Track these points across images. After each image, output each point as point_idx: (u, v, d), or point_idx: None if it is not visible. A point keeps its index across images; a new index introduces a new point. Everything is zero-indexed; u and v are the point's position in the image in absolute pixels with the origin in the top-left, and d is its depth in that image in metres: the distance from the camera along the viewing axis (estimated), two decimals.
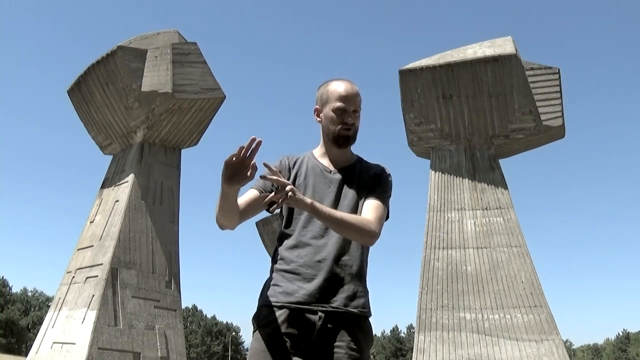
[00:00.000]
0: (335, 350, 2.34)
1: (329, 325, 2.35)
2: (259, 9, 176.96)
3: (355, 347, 2.36)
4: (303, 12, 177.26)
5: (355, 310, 2.40)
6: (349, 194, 2.53)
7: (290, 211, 2.54)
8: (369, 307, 2.50)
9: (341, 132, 2.54)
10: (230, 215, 2.40)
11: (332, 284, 2.39)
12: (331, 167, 2.61)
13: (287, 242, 2.50)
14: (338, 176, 2.58)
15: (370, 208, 2.49)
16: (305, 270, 2.41)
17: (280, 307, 2.39)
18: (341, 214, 2.39)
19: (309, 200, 2.28)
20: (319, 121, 2.64)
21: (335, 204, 2.49)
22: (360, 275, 2.47)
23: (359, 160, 2.68)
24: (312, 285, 2.38)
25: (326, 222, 2.37)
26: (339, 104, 2.53)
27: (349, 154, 2.67)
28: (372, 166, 2.67)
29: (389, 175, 2.66)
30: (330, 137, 2.59)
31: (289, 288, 2.40)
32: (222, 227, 2.47)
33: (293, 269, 2.43)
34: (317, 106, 2.65)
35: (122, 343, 9.63)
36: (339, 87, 2.57)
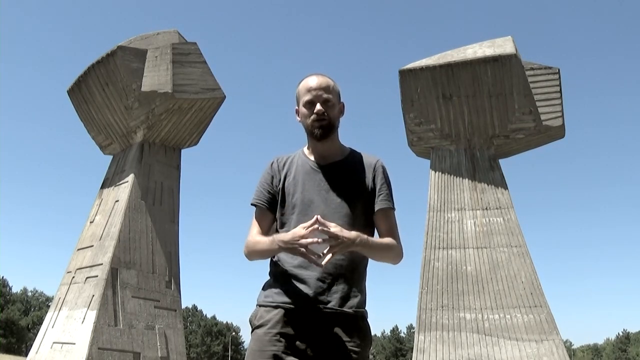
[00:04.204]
0: (331, 349, 2.34)
1: (324, 325, 2.36)
2: (259, 9, 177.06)
3: (352, 346, 2.36)
4: (303, 12, 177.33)
5: (349, 310, 2.40)
6: (339, 191, 2.51)
7: (284, 214, 2.55)
8: (365, 306, 2.49)
9: (314, 123, 2.51)
10: (264, 258, 2.58)
11: (326, 284, 2.40)
12: (321, 163, 2.58)
13: None
14: (328, 173, 2.55)
15: (391, 229, 2.55)
16: (300, 272, 2.42)
17: (275, 307, 2.41)
18: (380, 241, 2.49)
19: (354, 235, 2.32)
20: (299, 121, 2.62)
21: (325, 203, 2.48)
22: (354, 275, 2.47)
23: (351, 154, 2.64)
24: (306, 286, 2.40)
25: (373, 252, 2.45)
26: (307, 97, 2.52)
27: (338, 148, 2.62)
28: (366, 160, 2.61)
29: (386, 169, 2.63)
30: (308, 132, 2.57)
31: (284, 289, 2.43)
32: (251, 260, 2.60)
33: (288, 270, 2.45)
34: (296, 107, 2.63)
35: (122, 343, 9.63)
36: (306, 82, 2.56)
